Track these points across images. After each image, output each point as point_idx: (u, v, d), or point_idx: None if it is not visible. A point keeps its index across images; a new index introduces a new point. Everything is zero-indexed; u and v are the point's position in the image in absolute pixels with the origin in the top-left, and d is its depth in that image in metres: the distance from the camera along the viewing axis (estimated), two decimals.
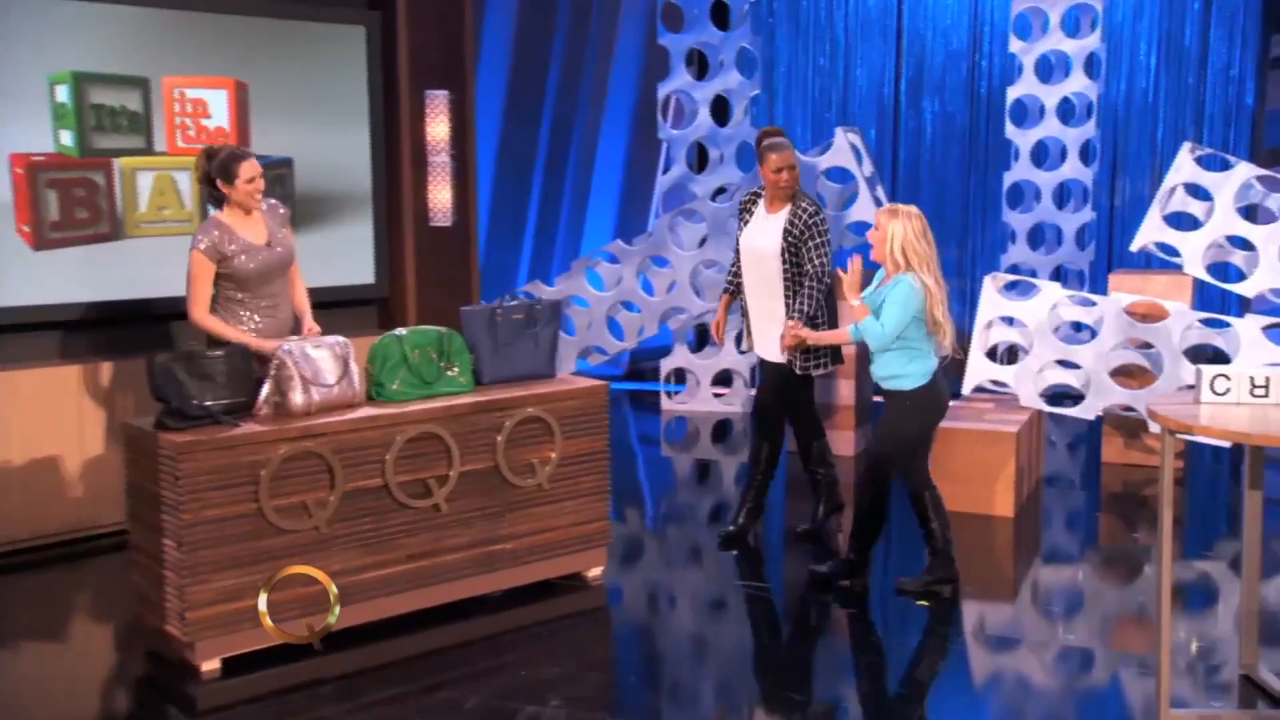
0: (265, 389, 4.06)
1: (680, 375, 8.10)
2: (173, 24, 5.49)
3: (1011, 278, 6.19)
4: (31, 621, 4.53)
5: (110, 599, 4.74)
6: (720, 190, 7.71)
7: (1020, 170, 8.31)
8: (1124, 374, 6.01)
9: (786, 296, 4.98)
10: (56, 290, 5.28)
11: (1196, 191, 6.34)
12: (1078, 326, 6.61)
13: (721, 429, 7.60)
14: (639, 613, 4.75)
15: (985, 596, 4.84)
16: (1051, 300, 5.88)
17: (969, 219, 9.95)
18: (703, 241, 7.47)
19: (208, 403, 3.93)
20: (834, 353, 5.10)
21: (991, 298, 5.93)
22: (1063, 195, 8.33)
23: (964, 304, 10.02)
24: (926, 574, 4.62)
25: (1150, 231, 6.22)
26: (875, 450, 4.58)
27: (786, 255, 4.94)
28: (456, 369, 4.45)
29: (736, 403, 7.86)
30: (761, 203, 5.11)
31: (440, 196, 6.38)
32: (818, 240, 4.90)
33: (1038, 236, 8.42)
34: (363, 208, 6.24)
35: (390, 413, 4.17)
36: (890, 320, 4.30)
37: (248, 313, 4.52)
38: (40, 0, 5.12)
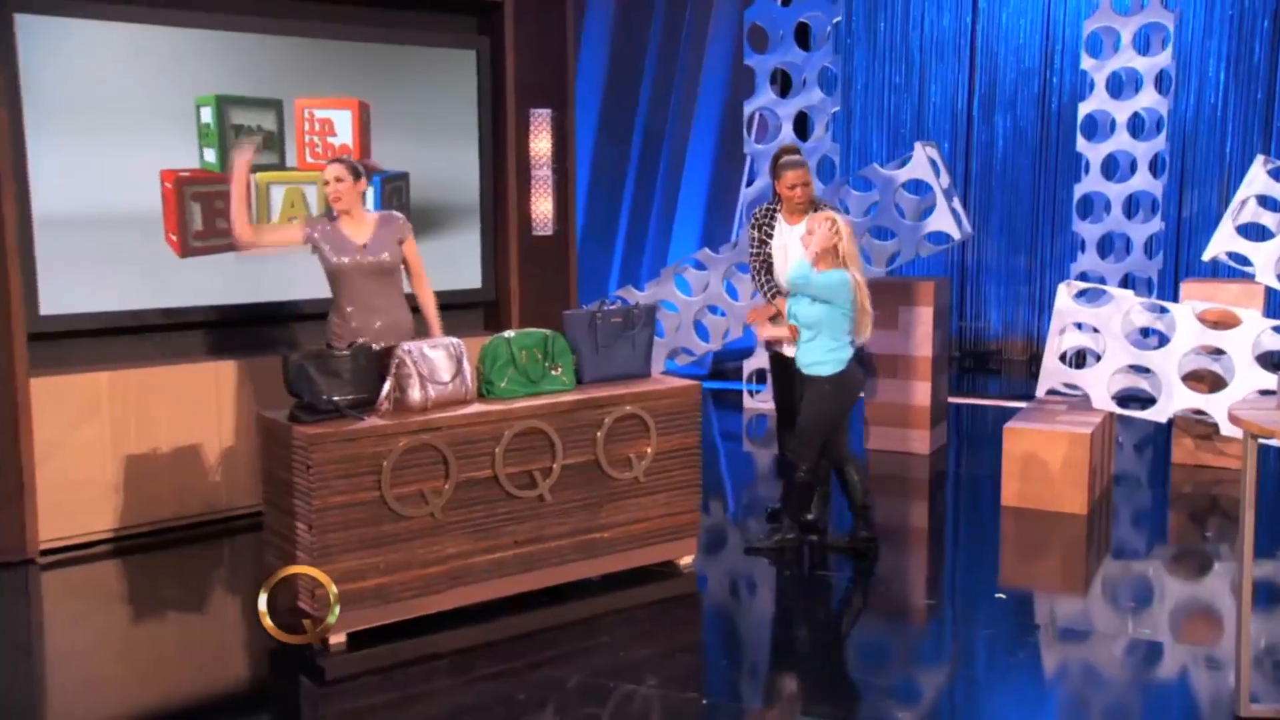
0: (387, 385, 4.11)
1: (761, 375, 8.03)
2: (304, 51, 5.60)
3: (1085, 285, 6.01)
4: (177, 595, 4.64)
5: (245, 575, 4.85)
6: None
7: (1090, 182, 8.08)
8: (1194, 378, 5.80)
9: None
10: (198, 294, 5.42)
11: (1267, 202, 6.11)
12: (1145, 332, 6.40)
13: None
14: (727, 599, 4.71)
15: (1060, 591, 4.71)
16: (1125, 307, 5.70)
17: (1039, 228, 9.73)
18: None
19: (336, 398, 3.99)
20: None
21: (1066, 304, 5.77)
22: (1132, 206, 8.08)
23: (1033, 308, 9.81)
24: (853, 531, 4.96)
25: (1223, 241, 6.00)
26: (803, 427, 4.81)
27: None
28: (560, 369, 4.46)
29: None
30: (780, 216, 5.14)
31: (542, 207, 6.40)
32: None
33: (1107, 245, 8.18)
34: (472, 218, 6.30)
35: (499, 409, 4.19)
36: (820, 282, 4.59)
37: (341, 310, 4.66)
38: (189, 31, 5.26)
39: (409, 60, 5.95)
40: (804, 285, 4.64)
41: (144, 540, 5.17)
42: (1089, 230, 8.12)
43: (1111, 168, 8.09)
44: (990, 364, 9.74)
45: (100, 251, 5.13)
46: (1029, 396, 7.91)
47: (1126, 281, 7.97)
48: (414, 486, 4.00)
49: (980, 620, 4.31)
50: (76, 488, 5.02)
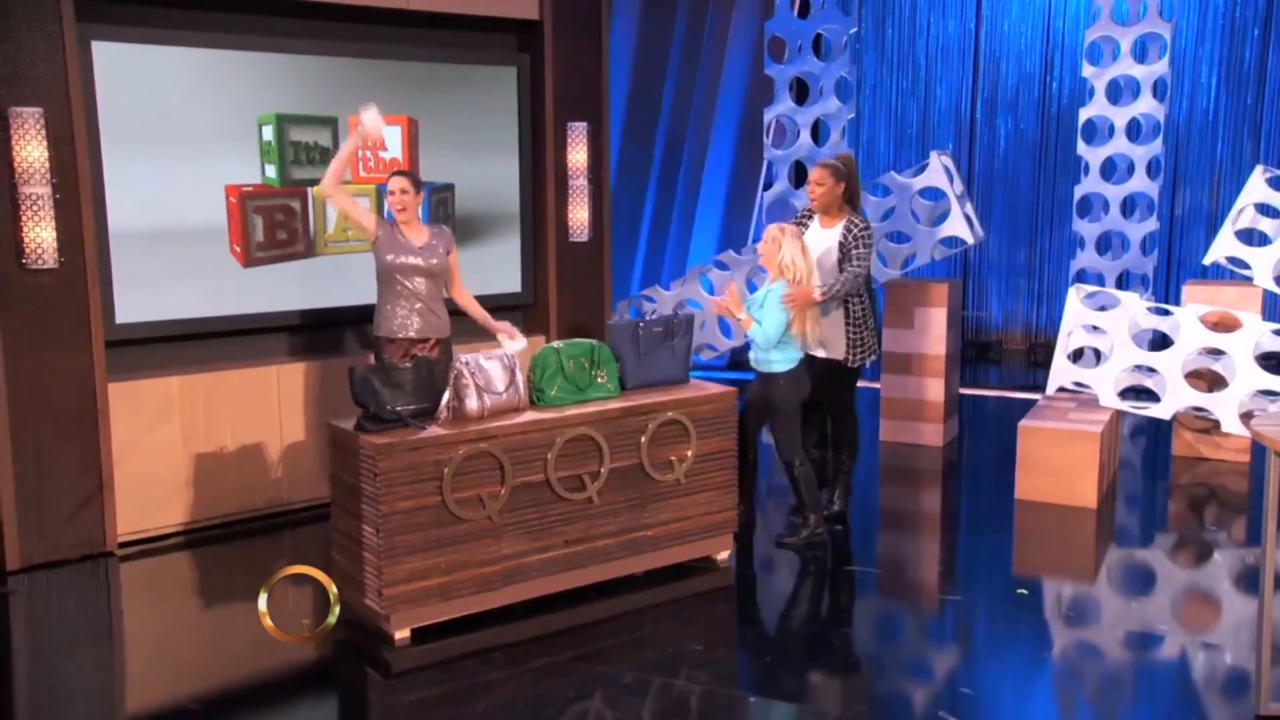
0: (446, 396, 4.07)
1: None
2: (357, 70, 5.52)
3: (1093, 289, 5.94)
4: (246, 586, 4.60)
5: (308, 565, 4.81)
6: None
7: (1089, 184, 7.96)
8: (1194, 375, 5.73)
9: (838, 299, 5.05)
10: (260, 301, 5.37)
11: (1266, 210, 6.01)
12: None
13: None
14: (761, 592, 4.68)
15: (1073, 582, 4.67)
16: (1133, 310, 5.63)
17: (1038, 225, 9.62)
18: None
19: (399, 408, 3.95)
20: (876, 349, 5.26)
21: (1075, 308, 5.69)
22: (1128, 206, 7.97)
23: (1033, 301, 9.71)
24: (802, 529, 4.91)
25: (1223, 247, 5.92)
26: (776, 424, 4.77)
27: (842, 265, 5.03)
28: (605, 376, 4.42)
29: None
30: (816, 218, 5.18)
31: (579, 215, 6.33)
32: (862, 249, 5.00)
33: (1104, 243, 8.08)
34: (512, 225, 6.23)
35: (550, 417, 4.16)
36: (770, 324, 4.63)
37: (389, 306, 4.73)
38: (251, 55, 5.19)
39: (454, 78, 5.87)
40: (758, 313, 4.74)
41: (213, 533, 5.16)
42: (1088, 229, 8.01)
43: (1110, 170, 7.98)
44: (991, 354, 9.66)
45: (170, 263, 5.08)
46: (1029, 386, 7.85)
47: (1124, 278, 7.87)
48: (472, 491, 3.96)
49: (1007, 615, 4.27)
50: (151, 485, 5.00)
